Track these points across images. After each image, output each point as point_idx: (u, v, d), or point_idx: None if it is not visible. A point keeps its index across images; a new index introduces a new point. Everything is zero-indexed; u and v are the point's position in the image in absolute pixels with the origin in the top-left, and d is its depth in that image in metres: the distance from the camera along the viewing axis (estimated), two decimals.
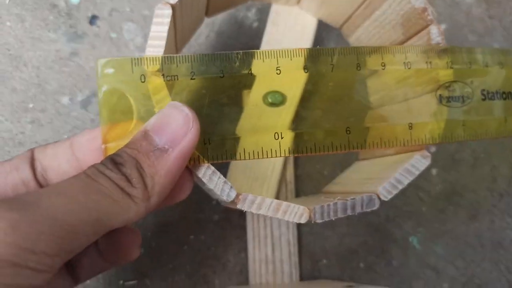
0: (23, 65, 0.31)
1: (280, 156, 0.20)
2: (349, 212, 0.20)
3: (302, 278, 0.30)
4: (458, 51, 0.22)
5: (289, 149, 0.20)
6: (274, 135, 0.20)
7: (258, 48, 0.34)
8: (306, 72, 0.20)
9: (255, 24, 0.35)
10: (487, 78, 0.22)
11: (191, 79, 0.19)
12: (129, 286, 0.29)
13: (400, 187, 0.20)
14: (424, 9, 0.23)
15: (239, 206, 0.19)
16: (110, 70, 0.18)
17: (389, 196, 0.20)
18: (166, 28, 0.20)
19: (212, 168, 0.19)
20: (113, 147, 0.18)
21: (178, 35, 0.24)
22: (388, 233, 0.33)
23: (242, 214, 0.31)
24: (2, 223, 0.13)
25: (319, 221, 0.19)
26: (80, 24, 0.33)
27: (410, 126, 0.21)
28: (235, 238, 0.31)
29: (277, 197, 0.30)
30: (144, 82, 0.19)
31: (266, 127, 0.20)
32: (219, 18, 0.35)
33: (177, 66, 0.19)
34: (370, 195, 0.20)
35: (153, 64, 0.19)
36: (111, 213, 0.16)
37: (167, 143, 0.17)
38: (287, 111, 0.21)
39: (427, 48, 0.22)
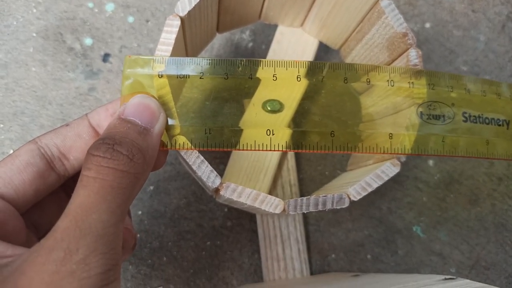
0: (48, 103, 0.36)
1: (272, 150, 0.23)
2: (320, 207, 0.22)
3: (312, 272, 0.33)
4: (439, 76, 0.24)
5: (280, 145, 0.23)
6: (266, 132, 0.23)
7: None
8: (299, 81, 0.23)
9: (250, 45, 0.38)
10: (469, 102, 0.24)
11: (200, 78, 0.22)
12: None
13: (369, 189, 0.23)
14: (405, 34, 0.25)
15: (222, 193, 0.22)
16: (134, 66, 0.22)
17: (358, 197, 0.23)
18: (173, 36, 0.23)
19: (201, 157, 0.22)
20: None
21: (189, 46, 0.27)
22: (391, 224, 0.35)
23: (252, 219, 0.34)
24: None
25: (292, 212, 0.22)
26: (94, 62, 0.37)
27: (391, 136, 0.23)
28: (248, 241, 0.34)
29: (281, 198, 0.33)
30: (161, 77, 0.22)
31: (263, 125, 0.23)
32: (216, 42, 0.38)
33: (189, 66, 0.22)
34: (340, 194, 0.22)
35: (160, 64, 0.22)
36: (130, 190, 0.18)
37: (148, 123, 0.20)
38: (284, 116, 0.24)
39: (406, 69, 0.24)
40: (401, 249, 0.34)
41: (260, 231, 0.33)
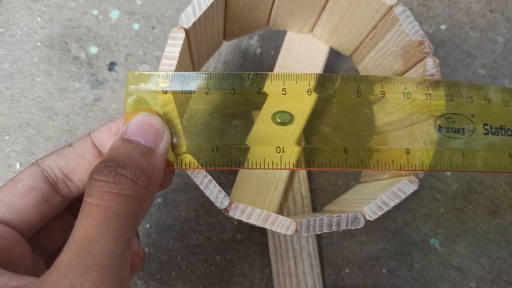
0: (54, 114, 0.35)
1: (282, 168, 0.22)
2: (334, 228, 0.21)
3: None
4: (458, 86, 0.23)
5: (290, 163, 0.22)
6: (276, 149, 0.22)
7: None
8: (309, 95, 0.22)
9: (258, 50, 0.37)
10: (490, 113, 0.23)
11: (206, 93, 0.21)
12: None
13: (386, 208, 0.21)
14: (421, 42, 0.24)
15: (231, 214, 0.21)
16: (138, 82, 0.21)
17: (374, 216, 0.21)
18: (178, 49, 0.22)
19: (209, 177, 0.21)
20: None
21: (195, 56, 0.26)
22: (407, 237, 0.33)
23: (263, 232, 0.33)
24: None
25: (304, 234, 0.21)
26: (100, 71, 0.36)
27: (407, 152, 0.22)
28: (259, 255, 0.33)
29: (293, 211, 0.32)
30: (165, 93, 0.21)
31: (272, 141, 0.22)
32: (224, 49, 0.37)
33: (194, 81, 0.21)
34: (355, 214, 0.21)
35: (164, 79, 0.21)
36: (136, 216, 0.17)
37: (152, 143, 0.19)
38: (294, 130, 0.22)
39: (423, 79, 0.23)
40: (417, 263, 0.33)
41: (271, 245, 0.32)
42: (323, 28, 0.30)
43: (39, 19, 0.37)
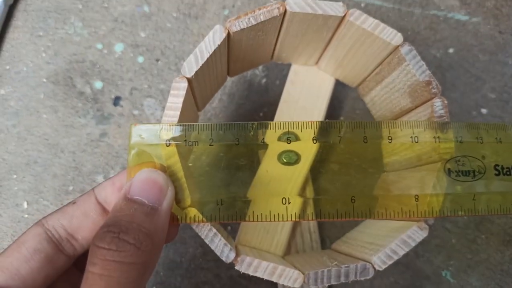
0: (61, 151, 0.35)
1: (287, 220, 0.21)
2: (342, 280, 0.21)
3: None
4: (468, 127, 0.22)
5: (296, 214, 0.22)
6: (282, 200, 0.21)
7: (269, 103, 0.36)
8: (315, 143, 0.22)
9: (264, 81, 0.37)
10: (501, 153, 0.22)
11: (210, 145, 0.21)
12: None
13: (396, 257, 0.21)
14: (429, 83, 0.23)
15: (237, 268, 0.21)
16: (140, 135, 0.21)
17: (384, 266, 0.21)
18: (181, 99, 0.22)
19: (214, 230, 0.21)
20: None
21: (198, 99, 0.26)
22: (419, 270, 0.33)
23: None
24: None
25: (313, 286, 0.21)
26: (105, 106, 0.36)
27: (416, 198, 0.21)
28: None
29: (301, 247, 0.31)
30: (169, 146, 0.21)
31: (276, 192, 0.21)
32: (229, 80, 0.37)
33: (198, 133, 0.21)
34: (364, 264, 0.21)
35: (167, 131, 0.21)
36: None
37: (155, 202, 0.19)
38: (300, 172, 0.22)
39: (431, 122, 0.22)
40: None
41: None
42: (328, 62, 0.30)
43: (44, 55, 0.37)
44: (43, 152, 0.35)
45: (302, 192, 0.22)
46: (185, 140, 0.21)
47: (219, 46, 0.22)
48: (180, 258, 0.33)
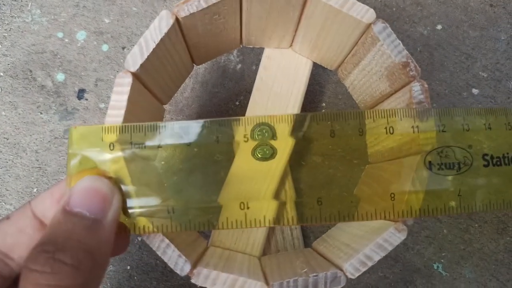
0: (22, 151, 0.33)
1: (264, 226, 0.19)
2: None
3: None
4: (452, 113, 0.20)
5: (270, 220, 0.19)
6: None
7: (246, 91, 0.33)
8: (291, 136, 0.19)
9: (239, 66, 0.34)
10: (490, 141, 0.20)
11: (159, 147, 0.19)
12: None
13: (370, 263, 0.19)
14: (406, 64, 0.21)
15: (193, 281, 0.19)
16: (82, 138, 0.18)
17: (357, 274, 0.19)
18: (125, 97, 0.20)
19: (167, 241, 0.19)
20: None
21: (158, 92, 0.24)
22: (409, 263, 0.31)
23: None
24: None
25: None
26: (69, 100, 0.34)
27: (392, 197, 0.19)
28: None
29: (282, 245, 0.29)
30: (112, 149, 0.18)
31: (250, 196, 0.19)
32: (201, 67, 0.34)
33: (145, 134, 0.19)
34: (335, 272, 0.19)
35: (111, 134, 0.18)
36: None
37: (98, 213, 0.17)
38: (276, 167, 0.20)
39: (408, 110, 0.19)
40: None
41: None
42: (302, 44, 0.27)
43: (0, 46, 0.34)
44: (3, 152, 0.33)
45: (279, 193, 0.20)
46: (131, 143, 0.18)
47: (167, 34, 0.19)
48: (155, 260, 0.31)
